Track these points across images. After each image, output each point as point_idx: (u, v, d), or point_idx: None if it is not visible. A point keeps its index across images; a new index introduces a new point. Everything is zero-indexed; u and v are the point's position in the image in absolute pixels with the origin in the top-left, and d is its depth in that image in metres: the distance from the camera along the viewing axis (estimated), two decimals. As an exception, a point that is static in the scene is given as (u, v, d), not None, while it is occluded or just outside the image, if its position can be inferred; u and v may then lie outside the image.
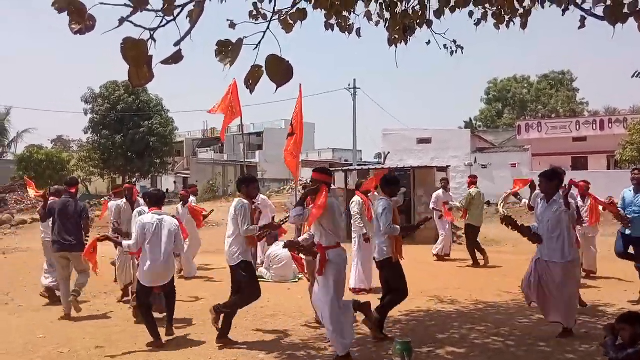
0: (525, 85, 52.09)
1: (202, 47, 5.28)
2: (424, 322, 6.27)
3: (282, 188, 36.90)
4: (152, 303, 5.90)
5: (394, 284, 5.71)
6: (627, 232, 7.14)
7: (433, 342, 5.51)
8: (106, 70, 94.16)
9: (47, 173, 33.93)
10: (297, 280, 9.18)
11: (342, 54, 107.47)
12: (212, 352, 5.35)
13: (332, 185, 5.66)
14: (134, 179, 37.51)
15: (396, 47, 5.81)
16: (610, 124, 26.95)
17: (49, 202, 7.16)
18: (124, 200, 7.63)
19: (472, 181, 10.99)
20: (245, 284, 5.59)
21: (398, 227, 5.66)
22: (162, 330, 5.71)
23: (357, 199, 8.13)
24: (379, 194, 6.20)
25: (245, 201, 5.60)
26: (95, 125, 34.77)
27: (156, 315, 5.84)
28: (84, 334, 6.03)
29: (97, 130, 34.73)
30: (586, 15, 4.54)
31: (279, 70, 2.71)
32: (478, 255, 10.51)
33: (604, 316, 6.36)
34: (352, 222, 8.19)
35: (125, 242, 5.68)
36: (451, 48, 6.44)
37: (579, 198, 8.55)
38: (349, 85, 32.20)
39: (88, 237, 6.93)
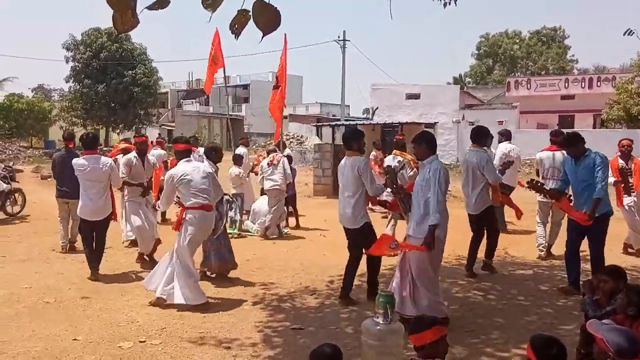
0: (517, 41, 51.52)
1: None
2: (408, 276, 6.38)
3: (268, 142, 36.68)
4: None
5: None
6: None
7: (416, 296, 5.63)
8: (89, 16, 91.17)
9: (28, 122, 33.23)
10: (282, 234, 9.25)
11: (332, 5, 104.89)
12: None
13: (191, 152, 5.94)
14: (118, 131, 36.96)
15: (388, -3, 5.63)
16: (598, 83, 26.97)
17: (53, 155, 8.31)
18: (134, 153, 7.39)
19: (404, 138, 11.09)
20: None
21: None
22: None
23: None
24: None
25: (365, 158, 5.28)
26: (77, 74, 33.87)
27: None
28: (70, 284, 6.05)
29: (79, 79, 33.86)
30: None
31: (266, 17, 2.61)
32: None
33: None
34: None
35: None
36: (444, 0, 6.29)
37: (620, 160, 7.19)
38: (339, 37, 31.50)
39: None
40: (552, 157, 7.17)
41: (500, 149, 8.87)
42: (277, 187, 8.87)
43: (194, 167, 5.46)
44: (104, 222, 6.42)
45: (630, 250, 7.55)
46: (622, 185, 7.13)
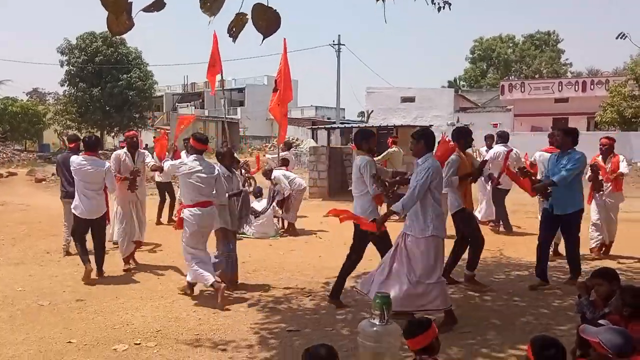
0: (511, 45, 51.82)
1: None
2: (404, 278, 6.37)
3: (263, 145, 36.71)
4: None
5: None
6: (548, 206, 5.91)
7: (412, 297, 5.63)
8: (84, 20, 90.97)
9: (23, 126, 33.12)
10: (278, 236, 9.25)
11: (327, 9, 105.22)
12: (192, 305, 5.41)
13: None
14: (112, 134, 36.85)
15: (383, 1, 5.66)
16: (592, 86, 27.14)
17: (58, 157, 8.38)
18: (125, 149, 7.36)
19: (394, 141, 11.49)
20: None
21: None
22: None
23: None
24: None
25: (369, 158, 5.19)
26: (72, 78, 33.76)
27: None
28: (64, 287, 6.01)
29: (74, 82, 33.76)
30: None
31: (266, 20, 2.61)
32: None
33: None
34: None
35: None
36: (438, 4, 6.32)
37: (599, 157, 7.27)
38: (333, 41, 31.60)
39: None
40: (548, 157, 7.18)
41: (492, 150, 9.33)
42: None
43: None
44: (100, 220, 6.45)
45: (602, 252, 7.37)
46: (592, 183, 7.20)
